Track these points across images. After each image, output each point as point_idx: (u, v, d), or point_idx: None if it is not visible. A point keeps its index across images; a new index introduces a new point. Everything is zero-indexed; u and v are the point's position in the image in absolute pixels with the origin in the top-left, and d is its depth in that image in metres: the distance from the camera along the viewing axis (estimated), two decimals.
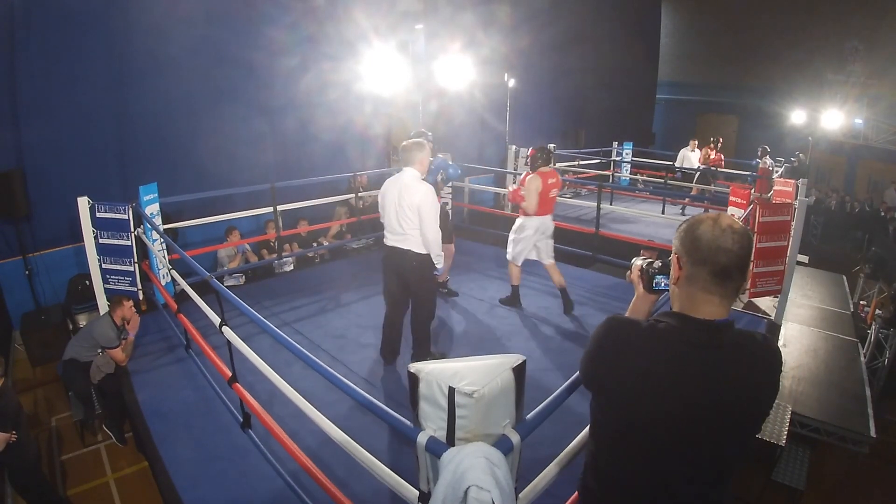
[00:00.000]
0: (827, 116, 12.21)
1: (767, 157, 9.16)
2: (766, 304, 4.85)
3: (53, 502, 3.38)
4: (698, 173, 9.17)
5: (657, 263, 1.38)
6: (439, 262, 3.35)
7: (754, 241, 4.20)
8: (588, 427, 1.83)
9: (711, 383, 1.10)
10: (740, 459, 1.20)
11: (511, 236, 4.52)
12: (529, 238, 4.42)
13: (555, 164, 4.35)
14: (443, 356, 3.76)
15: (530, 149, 4.49)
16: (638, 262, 1.44)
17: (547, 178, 4.30)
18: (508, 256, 4.55)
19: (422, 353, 3.51)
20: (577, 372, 1.76)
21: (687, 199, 8.65)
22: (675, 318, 1.15)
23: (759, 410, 1.17)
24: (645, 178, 10.79)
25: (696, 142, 9.52)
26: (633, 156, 10.79)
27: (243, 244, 5.93)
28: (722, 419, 1.11)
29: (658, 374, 1.12)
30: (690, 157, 9.44)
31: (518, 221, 4.51)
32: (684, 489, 1.18)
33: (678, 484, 1.18)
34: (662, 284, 1.37)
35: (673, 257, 1.20)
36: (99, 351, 3.81)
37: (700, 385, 1.10)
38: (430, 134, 4.32)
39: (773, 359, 1.18)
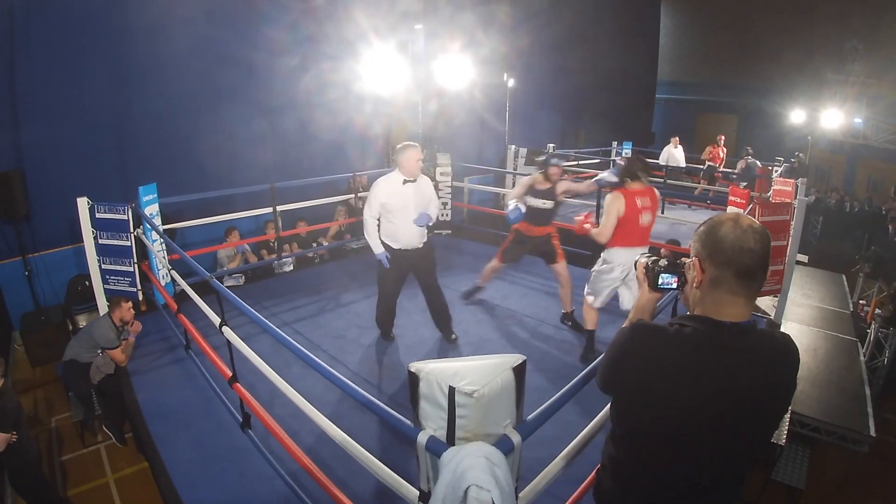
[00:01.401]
0: (826, 116, 12.20)
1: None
2: (765, 303, 4.85)
3: (53, 502, 3.38)
4: (703, 170, 9.25)
5: (662, 262, 1.37)
6: (374, 249, 3.66)
7: None
8: (589, 427, 1.84)
9: (736, 385, 1.11)
10: (758, 459, 1.22)
11: (593, 270, 3.66)
12: (615, 278, 3.52)
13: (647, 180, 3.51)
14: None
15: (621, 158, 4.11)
16: (642, 259, 1.43)
17: (635, 198, 3.34)
18: (588, 296, 3.69)
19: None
20: (580, 374, 1.78)
21: (690, 201, 8.69)
22: (700, 322, 1.15)
23: (779, 410, 1.19)
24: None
25: (678, 138, 9.58)
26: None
27: (243, 244, 5.93)
28: (745, 420, 1.13)
29: (686, 377, 1.12)
30: (674, 154, 9.47)
31: (602, 256, 3.58)
32: (703, 490, 1.19)
33: (698, 485, 1.19)
34: (672, 284, 1.33)
35: (693, 261, 1.18)
36: (99, 352, 3.81)
37: (726, 387, 1.11)
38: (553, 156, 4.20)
39: (792, 359, 1.19)
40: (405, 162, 3.51)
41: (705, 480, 1.18)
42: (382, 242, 3.65)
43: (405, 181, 3.54)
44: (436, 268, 3.88)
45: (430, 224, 3.70)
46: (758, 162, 8.92)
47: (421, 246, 3.71)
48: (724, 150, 9.85)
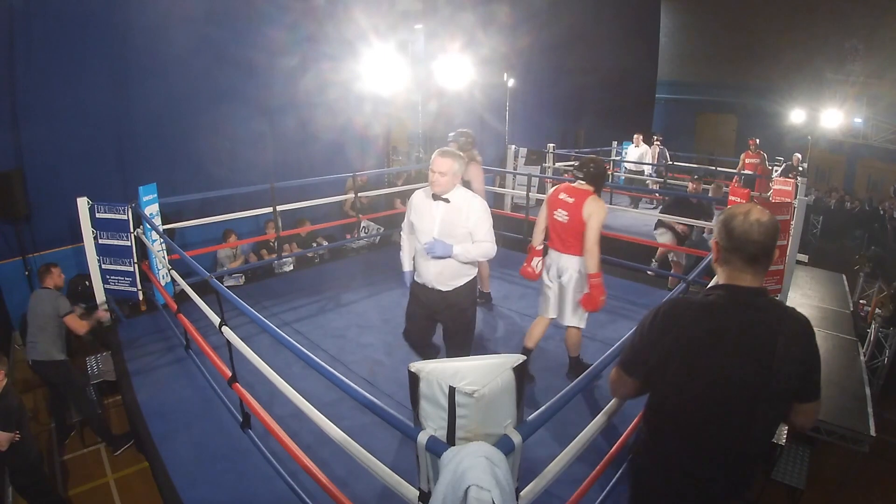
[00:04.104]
0: (826, 115, 12.20)
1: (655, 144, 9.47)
2: None
3: (54, 502, 3.38)
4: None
5: None
6: (403, 266, 3.11)
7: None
8: (589, 427, 1.84)
9: (757, 333, 1.35)
10: (775, 424, 1.45)
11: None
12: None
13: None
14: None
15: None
16: None
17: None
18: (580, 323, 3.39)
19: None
20: (581, 375, 1.78)
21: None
22: (722, 288, 1.44)
23: (792, 367, 1.34)
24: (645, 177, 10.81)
25: (641, 136, 9.53)
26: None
27: (243, 244, 5.93)
28: (765, 373, 1.33)
29: (719, 337, 1.36)
30: (634, 153, 9.45)
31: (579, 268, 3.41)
32: (730, 459, 1.42)
33: (725, 452, 1.41)
34: None
35: (713, 242, 1.47)
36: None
37: (749, 337, 1.34)
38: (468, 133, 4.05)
39: (798, 320, 1.39)
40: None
41: (733, 446, 1.40)
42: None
43: (435, 197, 2.66)
44: (466, 332, 2.89)
45: (447, 256, 2.62)
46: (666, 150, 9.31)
47: (444, 290, 2.72)
48: (762, 154, 9.30)
